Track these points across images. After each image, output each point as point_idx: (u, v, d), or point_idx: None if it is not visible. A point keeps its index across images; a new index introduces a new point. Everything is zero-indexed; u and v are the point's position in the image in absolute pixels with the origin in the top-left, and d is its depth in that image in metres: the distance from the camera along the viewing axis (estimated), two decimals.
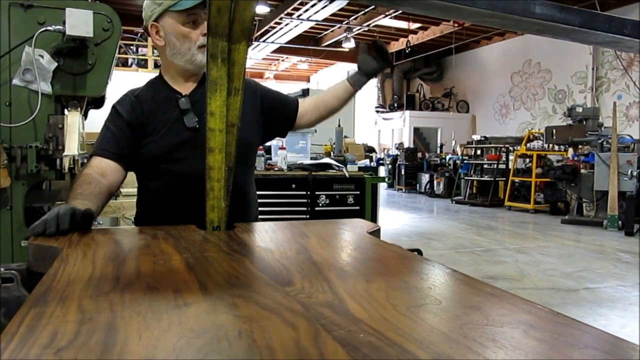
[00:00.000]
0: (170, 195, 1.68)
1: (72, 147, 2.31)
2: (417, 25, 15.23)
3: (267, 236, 1.40)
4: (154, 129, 1.68)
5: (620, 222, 8.46)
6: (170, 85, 1.75)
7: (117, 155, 1.65)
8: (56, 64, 2.34)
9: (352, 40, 15.27)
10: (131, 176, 1.91)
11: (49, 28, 2.26)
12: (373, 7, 12.04)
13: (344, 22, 14.74)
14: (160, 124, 1.68)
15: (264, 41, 15.75)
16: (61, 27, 2.24)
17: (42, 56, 2.31)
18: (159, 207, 1.72)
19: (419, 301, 0.80)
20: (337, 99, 1.93)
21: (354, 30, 14.97)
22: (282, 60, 20.62)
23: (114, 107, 1.74)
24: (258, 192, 1.94)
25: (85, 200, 1.45)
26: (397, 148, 16.92)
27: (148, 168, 1.71)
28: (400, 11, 12.34)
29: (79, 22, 2.23)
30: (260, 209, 1.96)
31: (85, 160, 1.98)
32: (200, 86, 1.75)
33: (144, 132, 1.68)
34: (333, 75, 21.74)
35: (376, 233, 1.38)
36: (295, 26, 14.44)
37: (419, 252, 1.19)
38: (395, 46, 17.12)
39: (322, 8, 12.59)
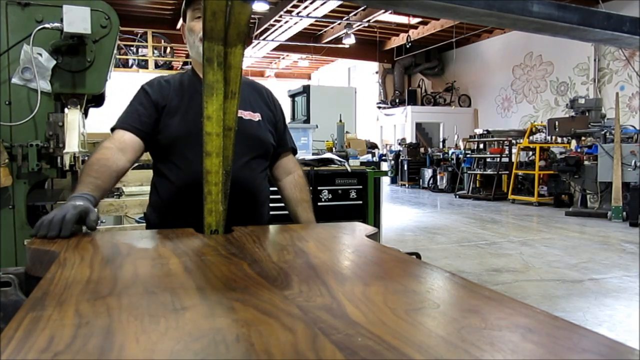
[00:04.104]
0: (181, 180, 1.67)
1: (72, 144, 2.31)
2: (418, 20, 15.17)
3: (265, 240, 1.39)
4: (177, 111, 1.70)
5: (624, 213, 8.44)
6: (200, 76, 1.76)
7: (140, 131, 1.67)
8: (55, 61, 2.34)
9: (352, 36, 15.21)
10: (134, 174, 1.90)
11: (47, 25, 2.25)
12: None
13: (343, 19, 14.69)
14: (184, 108, 1.70)
15: (264, 39, 15.70)
16: (59, 25, 2.24)
17: (40, 54, 2.31)
18: (172, 194, 1.70)
19: (417, 305, 0.80)
20: (292, 209, 1.91)
21: (354, 26, 14.91)
22: (283, 58, 20.56)
23: (142, 87, 1.77)
24: None
25: (97, 183, 1.48)
26: (399, 144, 16.91)
27: (164, 151, 1.71)
28: None
29: (77, 19, 2.22)
30: None
31: (87, 158, 1.97)
32: None
33: (166, 113, 1.70)
34: (334, 72, 21.70)
35: (375, 236, 1.37)
36: (295, 23, 14.39)
37: (418, 256, 1.19)
38: (396, 41, 17.07)
39: (322, 5, 12.55)
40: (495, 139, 13.00)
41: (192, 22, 1.73)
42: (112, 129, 1.70)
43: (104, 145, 1.63)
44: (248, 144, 1.70)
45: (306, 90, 8.77)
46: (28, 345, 0.61)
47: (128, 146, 1.64)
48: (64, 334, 0.64)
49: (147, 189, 2.18)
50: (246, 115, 1.73)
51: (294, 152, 1.99)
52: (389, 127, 19.07)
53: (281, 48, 17.40)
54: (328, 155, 4.98)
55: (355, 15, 14.37)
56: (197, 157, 1.58)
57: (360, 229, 1.47)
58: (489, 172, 12.83)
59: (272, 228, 1.54)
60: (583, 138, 9.96)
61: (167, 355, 0.60)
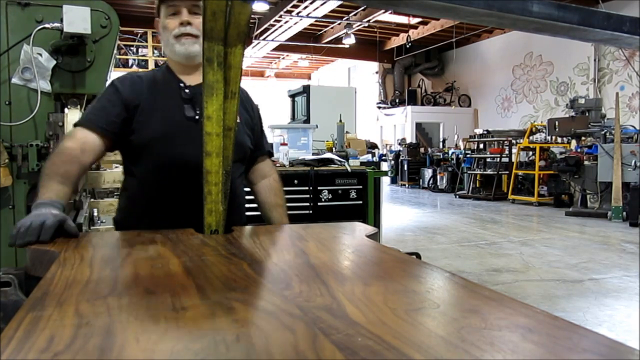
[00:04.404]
0: (155, 182, 1.62)
1: None
2: (418, 20, 15.17)
3: (265, 240, 1.39)
4: (151, 110, 1.63)
5: (624, 213, 8.44)
6: (176, 74, 1.73)
7: (104, 130, 1.59)
8: (55, 61, 2.34)
9: (352, 37, 15.22)
10: None
11: (47, 25, 2.26)
12: None
13: (343, 19, 14.68)
14: (158, 108, 1.64)
15: (264, 39, 15.70)
16: (59, 25, 2.24)
17: (40, 54, 2.31)
18: (143, 195, 1.66)
19: (417, 305, 0.80)
20: (266, 214, 1.85)
21: (354, 26, 14.91)
22: (283, 58, 20.54)
23: (112, 82, 1.70)
24: None
25: (65, 190, 1.45)
26: (399, 144, 16.91)
27: (137, 151, 1.64)
28: None
29: (77, 19, 2.23)
30: None
31: None
32: None
33: (140, 112, 1.62)
34: (334, 72, 21.70)
35: (375, 236, 1.37)
36: (295, 23, 14.39)
37: (418, 256, 1.19)
38: (396, 41, 17.07)
39: (322, 5, 12.55)
40: (495, 139, 13.00)
41: (166, 20, 1.67)
42: (76, 125, 1.63)
43: (66, 145, 1.57)
44: None
45: (306, 90, 8.76)
46: (28, 345, 0.61)
47: (88, 147, 1.57)
48: (64, 334, 0.64)
49: None
50: None
51: (270, 155, 1.95)
52: (389, 127, 19.07)
53: (281, 48, 17.40)
54: (328, 155, 4.98)
55: (355, 15, 14.37)
56: (173, 158, 1.57)
57: (360, 229, 1.47)
58: (489, 172, 12.82)
59: (272, 228, 1.54)
60: (583, 138, 9.95)
61: (167, 355, 0.60)
